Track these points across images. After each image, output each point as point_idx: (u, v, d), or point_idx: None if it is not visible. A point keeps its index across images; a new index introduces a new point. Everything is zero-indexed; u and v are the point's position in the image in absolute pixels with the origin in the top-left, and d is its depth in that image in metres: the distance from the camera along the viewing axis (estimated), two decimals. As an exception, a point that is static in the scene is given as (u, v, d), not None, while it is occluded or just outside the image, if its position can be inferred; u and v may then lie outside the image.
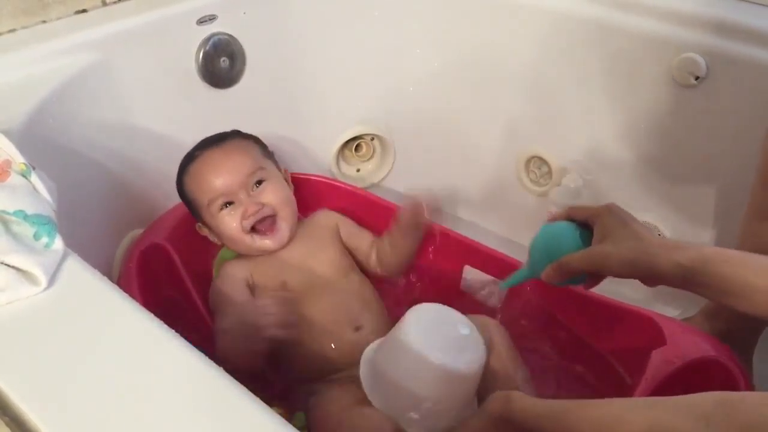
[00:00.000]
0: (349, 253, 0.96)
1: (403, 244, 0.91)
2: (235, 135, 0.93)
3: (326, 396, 0.77)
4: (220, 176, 0.87)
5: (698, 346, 0.75)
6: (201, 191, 0.88)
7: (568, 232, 0.70)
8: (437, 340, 0.71)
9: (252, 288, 0.88)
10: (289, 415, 0.77)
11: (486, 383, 0.74)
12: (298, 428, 0.76)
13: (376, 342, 0.77)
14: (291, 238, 0.90)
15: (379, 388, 0.73)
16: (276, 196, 0.89)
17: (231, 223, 0.87)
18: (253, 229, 0.88)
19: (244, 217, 0.87)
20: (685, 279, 0.61)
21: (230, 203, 0.87)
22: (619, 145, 1.06)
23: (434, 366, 0.69)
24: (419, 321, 0.73)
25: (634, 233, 0.65)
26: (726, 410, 0.46)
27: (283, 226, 0.89)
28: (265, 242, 0.88)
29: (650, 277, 0.64)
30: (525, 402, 0.61)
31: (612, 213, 0.67)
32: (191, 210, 0.91)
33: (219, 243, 0.93)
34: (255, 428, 0.43)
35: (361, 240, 0.96)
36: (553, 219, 0.73)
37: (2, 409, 0.45)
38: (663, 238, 0.65)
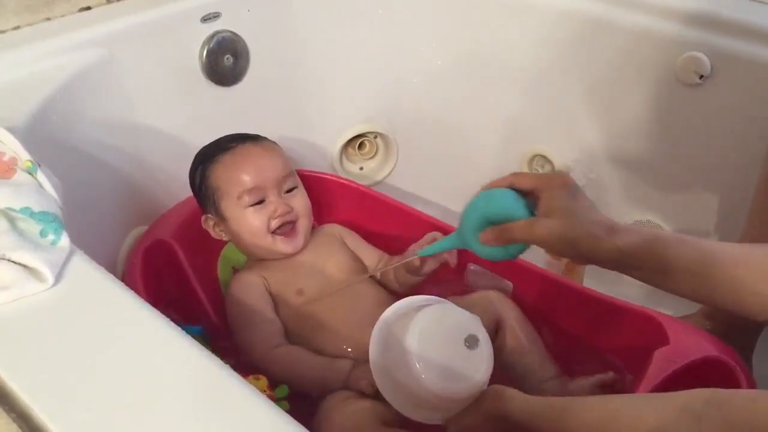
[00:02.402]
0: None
1: (407, 280, 0.91)
2: (265, 138, 0.93)
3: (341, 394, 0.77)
4: (260, 171, 0.87)
5: (701, 346, 0.75)
6: (233, 182, 0.87)
7: (513, 199, 0.64)
8: (441, 363, 0.66)
9: (270, 296, 0.88)
10: (271, 386, 0.76)
11: (500, 362, 0.73)
12: (280, 398, 0.75)
13: (396, 309, 0.72)
14: (304, 246, 0.91)
15: (384, 363, 0.70)
16: (303, 205, 0.91)
17: (255, 220, 0.87)
18: (273, 231, 0.88)
19: (272, 216, 0.87)
20: (620, 263, 0.59)
21: (261, 201, 0.88)
22: (622, 143, 1.06)
23: (434, 394, 0.66)
24: (423, 334, 0.67)
25: (581, 210, 0.61)
26: (717, 408, 0.47)
27: (301, 233, 0.90)
28: (284, 245, 0.89)
29: (587, 258, 0.61)
30: (519, 399, 0.61)
31: (564, 186, 0.63)
32: (206, 199, 0.90)
33: (224, 239, 0.93)
34: (260, 425, 0.44)
35: (368, 256, 0.96)
36: (494, 185, 0.67)
37: (9, 406, 0.45)
38: (605, 218, 0.61)
